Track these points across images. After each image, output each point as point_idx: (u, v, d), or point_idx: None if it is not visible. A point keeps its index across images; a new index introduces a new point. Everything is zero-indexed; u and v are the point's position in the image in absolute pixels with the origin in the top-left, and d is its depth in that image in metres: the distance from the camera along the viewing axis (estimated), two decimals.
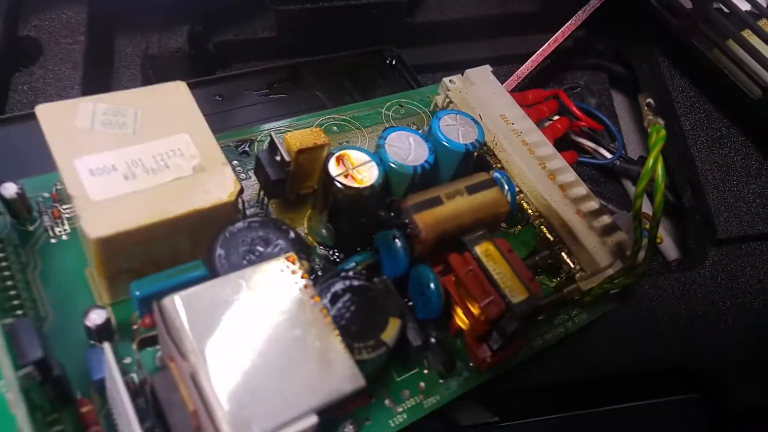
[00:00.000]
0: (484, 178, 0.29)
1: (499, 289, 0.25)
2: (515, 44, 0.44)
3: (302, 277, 0.23)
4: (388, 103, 0.37)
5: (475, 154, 0.31)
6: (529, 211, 0.33)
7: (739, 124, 0.36)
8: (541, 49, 0.39)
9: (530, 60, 0.39)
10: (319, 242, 0.30)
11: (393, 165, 0.29)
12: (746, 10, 0.31)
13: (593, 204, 0.33)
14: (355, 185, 0.27)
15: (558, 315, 0.31)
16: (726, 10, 0.31)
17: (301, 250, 0.25)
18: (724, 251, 0.33)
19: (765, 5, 0.34)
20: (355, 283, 0.24)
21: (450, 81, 0.38)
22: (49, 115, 0.26)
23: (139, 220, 0.24)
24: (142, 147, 0.26)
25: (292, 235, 0.25)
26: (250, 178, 0.32)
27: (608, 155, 0.39)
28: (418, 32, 0.43)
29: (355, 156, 0.28)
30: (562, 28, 0.39)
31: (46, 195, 0.29)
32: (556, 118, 0.38)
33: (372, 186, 0.27)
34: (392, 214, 0.28)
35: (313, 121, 0.35)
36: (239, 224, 0.25)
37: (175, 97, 0.28)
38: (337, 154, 0.28)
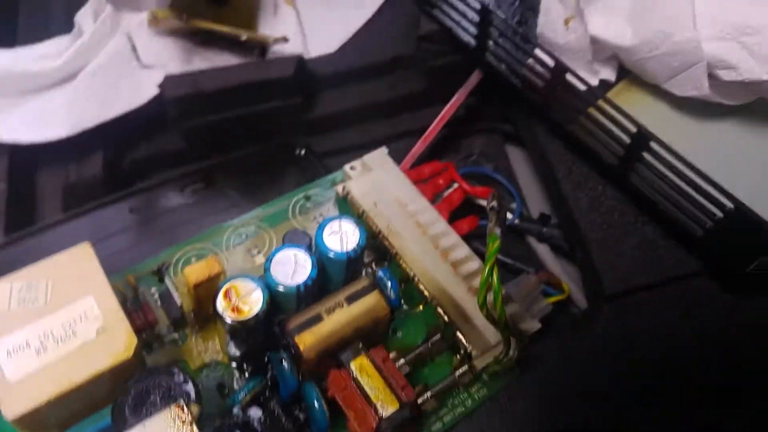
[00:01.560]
0: (363, 285, 0.34)
1: (372, 403, 0.30)
2: (410, 120, 0.49)
3: (189, 424, 0.28)
4: (295, 199, 0.42)
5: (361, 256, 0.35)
6: (425, 293, 0.37)
7: (611, 184, 0.39)
8: (431, 126, 0.44)
9: (423, 137, 0.44)
10: (230, 358, 0.35)
11: (279, 288, 0.33)
12: (586, 89, 0.34)
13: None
14: (240, 318, 0.32)
15: (458, 395, 0.35)
16: (574, 87, 0.35)
17: (194, 393, 0.30)
18: (613, 306, 0.37)
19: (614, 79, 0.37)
20: (242, 418, 0.29)
21: (351, 168, 0.42)
22: None
23: (50, 393, 0.29)
24: (52, 317, 0.31)
25: (184, 381, 0.30)
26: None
27: (509, 215, 0.43)
28: (319, 124, 0.48)
29: (242, 285, 0.33)
30: (446, 106, 0.44)
31: None
32: (453, 188, 0.42)
33: (256, 316, 0.32)
34: (280, 333, 0.32)
35: (224, 232, 0.40)
36: (139, 377, 0.30)
37: (81, 259, 0.33)
38: (224, 288, 0.33)
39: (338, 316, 0.33)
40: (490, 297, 0.30)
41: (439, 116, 0.44)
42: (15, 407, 0.29)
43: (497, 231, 0.30)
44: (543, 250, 0.45)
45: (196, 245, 0.39)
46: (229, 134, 0.46)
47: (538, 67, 0.37)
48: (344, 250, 0.35)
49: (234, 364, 0.35)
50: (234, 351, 0.35)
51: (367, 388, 0.31)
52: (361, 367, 0.31)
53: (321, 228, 0.36)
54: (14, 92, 0.43)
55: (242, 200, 0.44)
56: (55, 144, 0.42)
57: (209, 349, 0.36)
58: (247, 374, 0.35)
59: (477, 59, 0.43)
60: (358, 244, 0.35)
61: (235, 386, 0.35)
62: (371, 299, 0.34)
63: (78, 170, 0.44)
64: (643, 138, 0.32)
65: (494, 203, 0.31)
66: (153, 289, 0.38)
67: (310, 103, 0.47)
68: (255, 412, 0.32)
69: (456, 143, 0.49)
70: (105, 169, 0.44)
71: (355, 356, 0.32)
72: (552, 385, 0.37)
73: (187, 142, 0.46)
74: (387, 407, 0.30)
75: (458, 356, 0.36)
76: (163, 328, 0.36)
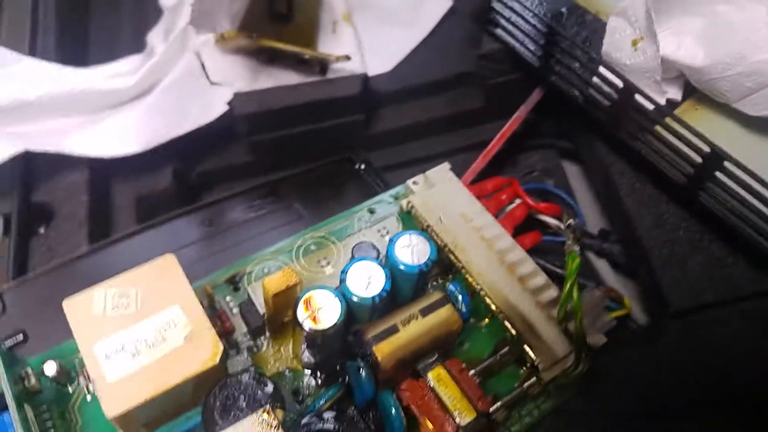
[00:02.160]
0: (437, 298, 0.35)
1: (450, 412, 0.31)
2: (470, 135, 0.51)
3: (277, 428, 0.29)
4: (359, 212, 0.43)
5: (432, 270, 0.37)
6: (492, 307, 0.39)
7: (677, 202, 0.40)
8: (492, 142, 0.45)
9: (484, 153, 0.45)
10: (304, 365, 0.37)
11: (354, 299, 0.35)
12: (654, 108, 0.36)
13: (552, 293, 0.39)
14: (320, 327, 0.33)
15: (525, 405, 0.36)
16: (642, 106, 0.36)
17: (277, 398, 0.31)
18: (679, 323, 0.38)
19: (680, 98, 0.38)
20: (322, 425, 0.31)
21: (413, 183, 0.44)
22: (72, 307, 0.33)
23: (146, 395, 0.31)
24: (144, 324, 0.33)
25: (266, 387, 0.32)
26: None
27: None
28: (379, 140, 0.49)
29: (320, 296, 0.35)
30: (507, 122, 0.45)
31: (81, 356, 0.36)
32: (516, 203, 0.43)
33: (335, 325, 0.34)
34: (358, 344, 0.34)
35: (295, 243, 0.41)
36: (226, 383, 0.32)
37: (166, 270, 0.35)
38: (303, 298, 0.35)
39: (413, 328, 0.34)
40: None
41: (500, 132, 0.46)
42: (115, 406, 0.31)
43: (576, 249, 0.31)
44: (602, 266, 0.46)
45: (268, 256, 0.41)
46: (294, 149, 0.48)
47: (605, 87, 0.38)
48: (416, 263, 0.37)
49: (308, 372, 0.37)
50: (309, 359, 0.36)
51: (444, 398, 0.32)
52: (438, 378, 0.33)
53: (393, 241, 0.37)
54: (92, 109, 0.46)
55: (307, 214, 0.46)
56: (129, 158, 0.45)
57: (283, 357, 0.38)
58: (320, 381, 0.36)
59: (539, 77, 0.44)
60: (429, 258, 0.37)
61: (305, 392, 0.36)
62: (445, 312, 0.35)
63: (149, 183, 0.47)
64: (717, 157, 0.33)
65: (571, 221, 0.32)
66: (228, 298, 0.39)
67: (371, 119, 0.49)
68: (332, 419, 0.33)
69: (514, 158, 0.50)
70: (174, 181, 0.47)
71: (433, 366, 0.33)
72: (616, 399, 0.38)
73: (253, 156, 0.48)
74: (465, 416, 0.31)
75: (525, 368, 0.38)
76: (239, 335, 0.38)
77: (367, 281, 0.36)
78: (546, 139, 0.51)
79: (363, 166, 0.49)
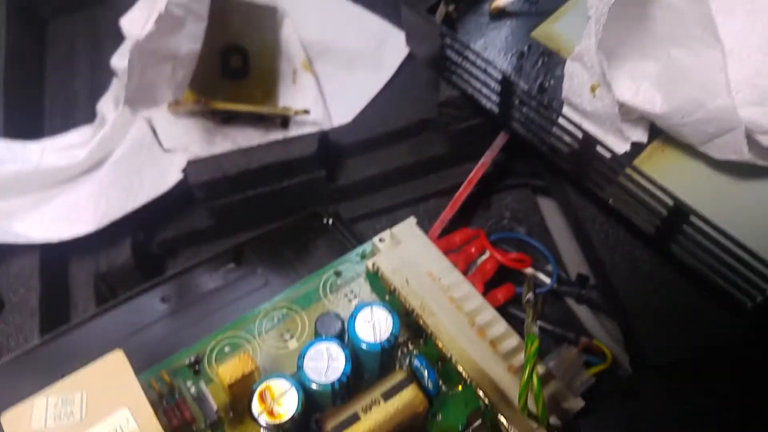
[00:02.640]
0: (399, 378, 0.33)
1: None
2: (437, 180, 0.49)
3: None
4: (326, 276, 0.41)
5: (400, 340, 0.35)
6: (464, 374, 0.36)
7: (651, 249, 0.38)
8: (459, 190, 0.43)
9: (451, 202, 0.43)
10: None
11: (313, 386, 0.33)
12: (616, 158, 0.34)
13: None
14: (276, 422, 0.31)
15: None
16: (604, 156, 0.34)
17: None
18: (659, 374, 0.36)
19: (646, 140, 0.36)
20: None
21: (379, 240, 0.41)
22: (11, 422, 0.31)
23: None
24: None
25: None
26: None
27: (546, 279, 0.42)
28: (346, 191, 0.48)
29: (276, 386, 0.33)
30: (474, 169, 0.43)
31: None
32: (485, 256, 0.41)
33: (292, 418, 0.31)
34: None
35: (257, 315, 0.39)
36: None
37: (114, 368, 0.33)
38: (259, 390, 0.33)
39: (376, 415, 0.32)
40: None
41: (467, 179, 0.44)
42: None
43: (535, 330, 0.29)
44: (583, 312, 0.43)
45: (228, 333, 0.39)
46: (256, 210, 0.46)
47: (565, 136, 0.36)
48: (378, 340, 0.34)
49: None
50: None
51: None
52: None
53: (353, 317, 0.35)
54: (42, 187, 0.44)
55: (273, 277, 0.44)
56: (84, 239, 0.43)
57: None
58: None
59: (501, 123, 0.42)
60: (391, 333, 0.35)
61: None
62: (408, 394, 0.33)
63: (108, 259, 0.45)
64: (681, 212, 0.31)
65: (530, 295, 0.30)
66: (189, 383, 0.37)
67: (334, 173, 0.47)
68: None
69: (487, 201, 0.48)
70: (134, 253, 0.45)
71: None
72: None
73: (214, 220, 0.46)
74: None
75: None
76: (200, 424, 0.36)
77: (326, 364, 0.34)
78: (519, 178, 0.48)
79: (331, 221, 0.47)
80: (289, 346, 0.39)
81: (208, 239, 0.48)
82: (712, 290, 0.35)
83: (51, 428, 0.31)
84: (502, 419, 0.35)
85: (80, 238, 0.43)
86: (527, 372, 0.28)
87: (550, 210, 0.48)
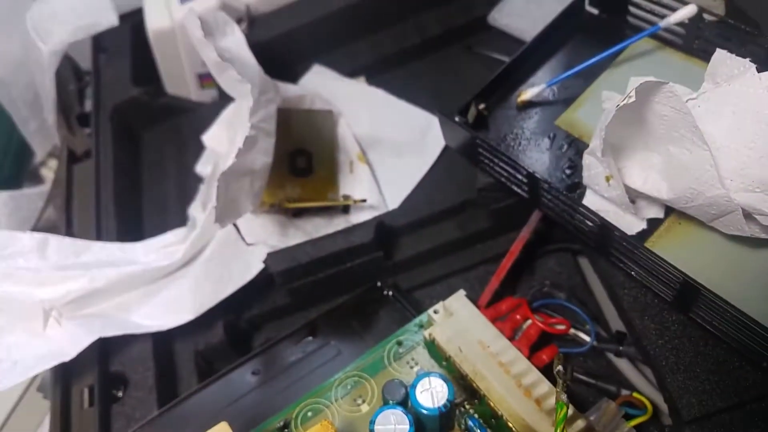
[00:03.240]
0: None
1: None
2: (483, 250, 0.55)
3: None
4: (389, 346, 0.47)
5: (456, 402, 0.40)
6: (514, 430, 0.41)
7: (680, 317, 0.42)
8: (502, 263, 0.49)
9: (496, 273, 0.49)
10: None
11: None
12: (631, 238, 0.38)
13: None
14: None
15: None
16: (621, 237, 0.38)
17: None
18: (695, 429, 0.39)
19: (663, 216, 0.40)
20: None
21: (434, 312, 0.47)
22: None
23: None
24: None
25: None
26: None
27: (587, 338, 0.46)
28: (401, 266, 0.54)
29: None
30: (513, 244, 0.48)
31: None
32: (529, 323, 0.46)
33: None
34: None
35: (333, 384, 0.45)
36: None
37: None
38: None
39: None
40: None
41: (508, 252, 0.49)
42: None
43: (564, 398, 0.33)
44: (623, 365, 0.47)
45: (310, 400, 0.45)
46: (326, 289, 0.53)
47: (586, 221, 0.40)
48: (436, 405, 0.40)
49: None
50: None
51: None
52: None
53: (413, 387, 0.41)
54: (149, 282, 0.52)
55: (344, 348, 0.50)
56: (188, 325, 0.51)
57: None
58: None
59: (533, 206, 0.47)
60: (447, 399, 0.40)
61: None
62: None
63: (205, 338, 0.52)
64: (691, 286, 0.35)
65: (560, 367, 0.34)
66: None
67: (390, 252, 0.53)
68: None
69: (530, 266, 0.53)
70: (226, 332, 0.52)
71: None
72: None
73: (290, 299, 0.54)
74: None
75: None
76: None
77: (393, 428, 0.40)
78: (559, 243, 0.53)
79: (391, 292, 0.53)
80: (361, 409, 0.45)
81: (286, 315, 0.55)
82: (734, 348, 0.38)
83: None
84: None
85: (186, 329, 0.51)
86: None
87: (590, 270, 0.52)
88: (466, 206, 0.53)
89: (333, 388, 0.46)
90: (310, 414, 0.45)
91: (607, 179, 0.40)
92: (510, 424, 0.42)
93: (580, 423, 0.41)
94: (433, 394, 0.41)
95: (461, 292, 0.48)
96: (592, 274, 0.53)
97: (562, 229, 0.52)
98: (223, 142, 0.58)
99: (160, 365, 0.50)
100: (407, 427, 0.39)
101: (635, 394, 0.45)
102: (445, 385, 0.41)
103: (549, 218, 0.49)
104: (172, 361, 0.52)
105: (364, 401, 0.46)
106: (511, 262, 0.49)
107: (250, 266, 0.51)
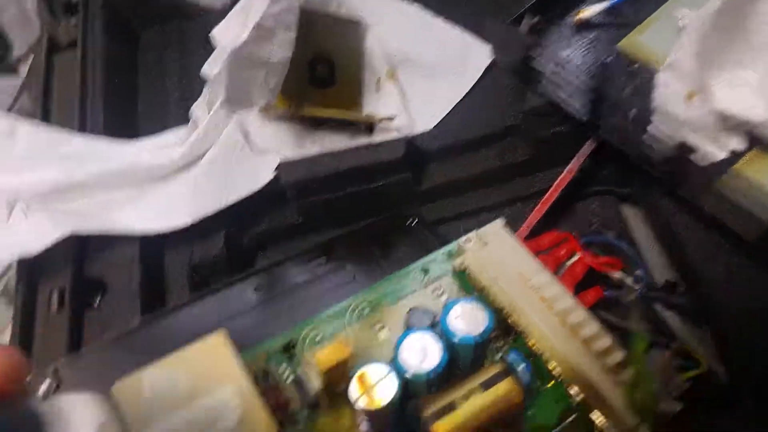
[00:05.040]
0: (496, 371, 0.33)
1: None
2: (522, 185, 0.49)
3: None
4: (413, 272, 0.41)
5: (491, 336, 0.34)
6: (556, 372, 0.36)
7: (747, 256, 0.37)
8: (545, 196, 0.43)
9: (537, 207, 0.43)
10: None
11: (409, 375, 0.33)
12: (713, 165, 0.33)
13: (618, 355, 0.35)
14: (374, 406, 0.31)
15: None
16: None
17: None
18: (760, 387, 0.34)
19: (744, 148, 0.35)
20: None
21: (465, 241, 0.41)
22: (122, 392, 0.32)
23: None
24: (192, 408, 0.32)
25: None
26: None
27: (633, 284, 0.41)
28: (430, 194, 0.48)
29: (374, 372, 0.33)
30: (560, 176, 0.43)
31: None
32: (575, 258, 0.40)
33: (390, 403, 0.31)
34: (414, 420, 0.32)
35: (348, 306, 0.40)
36: None
37: (217, 348, 0.34)
38: (357, 375, 0.33)
39: (473, 403, 0.32)
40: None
41: (554, 185, 0.44)
42: None
43: (642, 329, 0.28)
44: (672, 319, 0.42)
45: (320, 323, 0.40)
46: (343, 210, 0.47)
47: (658, 144, 0.35)
48: (471, 334, 0.34)
49: None
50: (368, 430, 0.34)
51: None
52: None
53: (446, 311, 0.35)
54: (139, 183, 0.46)
55: (361, 273, 0.44)
56: (180, 232, 0.44)
57: (340, 428, 0.36)
58: None
59: (590, 132, 0.42)
60: (486, 328, 0.35)
61: None
62: (506, 386, 0.33)
63: (202, 250, 0.46)
64: None
65: (634, 296, 0.30)
66: (283, 367, 0.38)
67: (419, 176, 0.47)
68: None
69: (572, 207, 0.48)
70: (226, 247, 0.46)
71: None
72: None
73: (303, 217, 0.47)
74: None
75: None
76: (295, 407, 0.36)
77: (422, 355, 0.34)
78: (604, 185, 0.48)
79: (415, 221, 0.47)
80: (379, 336, 0.39)
81: (296, 236, 0.48)
82: None
83: (154, 401, 0.32)
84: (596, 417, 0.35)
85: (175, 231, 0.45)
86: (637, 372, 0.27)
87: (634, 218, 0.47)
88: (508, 133, 0.47)
89: (347, 313, 0.40)
90: (319, 338, 0.39)
91: (690, 96, 0.35)
92: (551, 365, 0.37)
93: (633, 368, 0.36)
94: (469, 321, 0.35)
95: (499, 221, 0.43)
96: (636, 222, 0.47)
97: (609, 168, 0.48)
98: (239, 35, 0.51)
99: (147, 275, 0.44)
100: (439, 354, 0.34)
101: (687, 347, 0.40)
102: (483, 312, 0.36)
103: (599, 152, 0.45)
104: (161, 272, 0.46)
105: (383, 327, 0.40)
106: (556, 195, 0.44)
107: (259, 175, 0.45)
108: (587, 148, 0.44)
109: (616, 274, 0.42)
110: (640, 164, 0.39)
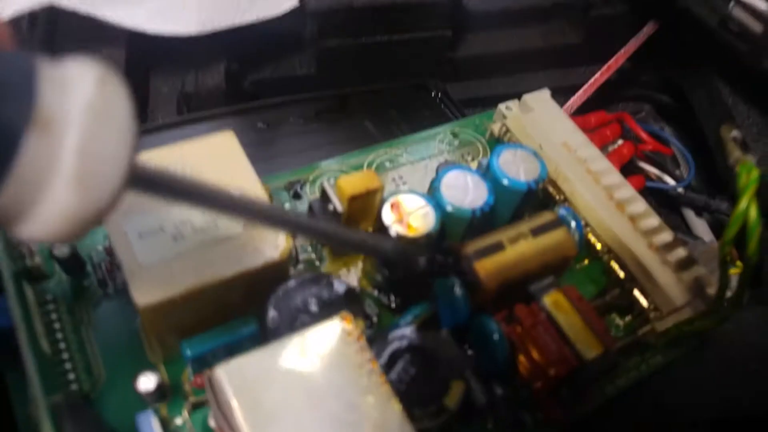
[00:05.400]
0: (549, 219, 0.29)
1: (572, 343, 0.24)
2: (559, 77, 0.45)
3: (358, 339, 0.22)
4: (441, 134, 0.37)
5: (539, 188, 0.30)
6: (597, 246, 0.32)
7: None
8: (593, 78, 0.39)
9: (582, 90, 0.39)
10: (375, 287, 0.30)
11: (450, 209, 0.28)
12: None
13: (667, 236, 0.32)
14: (411, 234, 0.26)
15: (631, 358, 0.30)
16: None
17: (356, 306, 0.24)
18: None
19: None
20: (415, 341, 0.24)
21: (506, 107, 0.37)
22: None
23: (187, 285, 0.24)
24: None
25: (343, 289, 0.25)
26: None
27: (672, 182, 0.37)
28: (460, 66, 0.44)
29: (409, 201, 0.28)
30: (614, 57, 0.39)
31: (100, 248, 0.29)
32: (620, 142, 0.36)
33: (428, 234, 0.27)
34: (450, 261, 0.27)
35: (365, 158, 0.35)
36: (292, 283, 0.25)
37: (224, 148, 0.28)
38: (391, 201, 0.28)
39: (522, 248, 0.27)
40: None
41: (606, 65, 0.39)
42: (147, 295, 0.24)
43: (751, 158, 0.24)
44: (701, 226, 0.39)
45: (335, 167, 0.34)
46: (365, 64, 0.41)
47: (747, 13, 0.32)
48: (524, 179, 0.30)
49: (377, 293, 0.30)
50: (386, 276, 0.29)
51: (565, 326, 0.25)
52: (557, 303, 0.26)
53: (496, 154, 0.31)
54: None
55: (378, 133, 0.39)
56: (174, 49, 0.38)
57: (351, 274, 0.31)
58: (394, 305, 0.29)
59: (651, 10, 0.38)
60: (540, 175, 0.30)
61: (374, 318, 0.29)
62: (559, 235, 0.28)
63: (197, 81, 0.39)
64: None
65: (735, 133, 0.26)
66: (287, 206, 0.33)
67: (456, 40, 0.42)
68: (422, 338, 0.26)
69: (605, 109, 0.44)
70: (227, 82, 0.40)
71: (550, 290, 0.26)
72: (735, 364, 0.31)
73: (317, 67, 0.41)
74: (590, 350, 0.24)
75: (632, 316, 0.31)
76: (296, 246, 0.31)
77: (465, 193, 0.30)
78: (642, 90, 0.44)
79: (440, 95, 0.42)
80: (401, 189, 0.34)
81: (305, 90, 0.42)
82: None
83: None
84: (641, 294, 0.31)
85: (169, 52, 0.38)
86: (745, 202, 0.23)
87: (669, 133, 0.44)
88: (561, 10, 0.42)
89: (365, 162, 0.35)
90: (332, 182, 0.34)
91: None
92: (594, 238, 0.33)
93: (682, 251, 0.32)
94: (520, 167, 0.31)
95: (546, 90, 0.38)
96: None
97: (651, 73, 0.44)
98: None
99: (131, 83, 0.37)
100: (485, 193, 0.29)
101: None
102: (536, 161, 0.31)
103: (647, 51, 0.40)
104: (146, 92, 0.39)
105: (405, 183, 0.35)
106: (603, 80, 0.40)
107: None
108: (648, 29, 0.39)
109: (654, 170, 0.38)
110: (721, 38, 0.34)
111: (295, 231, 0.22)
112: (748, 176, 0.23)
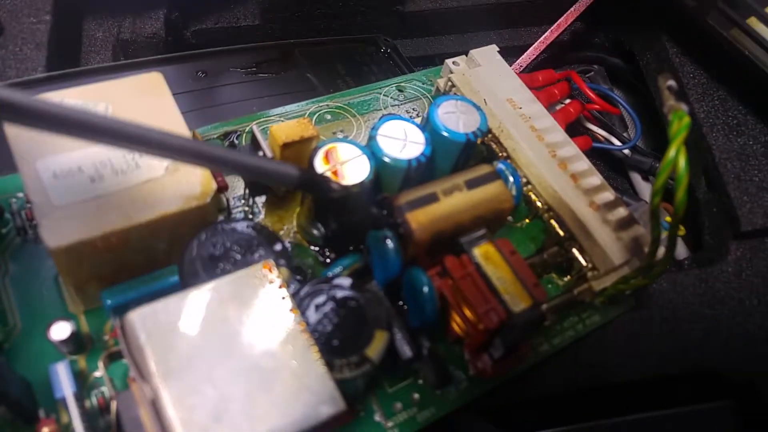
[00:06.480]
0: (485, 171, 0.28)
1: (500, 295, 0.24)
2: (510, 36, 0.44)
3: (279, 287, 0.22)
4: (387, 88, 0.36)
5: (478, 143, 0.29)
6: (538, 204, 0.32)
7: (757, 110, 0.33)
8: (543, 37, 0.38)
9: (532, 48, 0.38)
10: (309, 241, 0.29)
11: (386, 159, 0.27)
12: None
13: (608, 195, 0.31)
14: (343, 183, 0.25)
15: (567, 317, 0.29)
16: None
17: (283, 258, 0.23)
18: (747, 245, 0.32)
19: None
20: (339, 293, 0.23)
21: (453, 62, 0.36)
22: None
23: (103, 228, 0.23)
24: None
25: (276, 244, 0.24)
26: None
27: (619, 143, 0.37)
28: (409, 22, 0.42)
29: (344, 150, 0.27)
30: (564, 15, 0.38)
31: (20, 195, 0.27)
32: (568, 101, 0.36)
33: (361, 183, 0.26)
34: (384, 212, 0.26)
35: (306, 109, 0.34)
36: (211, 229, 0.23)
37: (150, 89, 0.27)
38: (324, 149, 0.27)
39: (456, 200, 0.27)
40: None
41: (564, 17, 0.38)
42: (60, 236, 0.22)
43: (684, 107, 0.24)
44: (648, 190, 0.39)
45: (272, 117, 0.33)
46: (308, 18, 0.40)
47: None
48: (463, 131, 0.29)
49: (313, 247, 0.29)
50: (319, 231, 0.28)
51: (494, 279, 0.24)
52: (487, 255, 0.25)
53: (436, 104, 0.30)
54: None
55: (322, 86, 0.38)
56: None
57: (285, 230, 0.30)
58: (329, 260, 0.28)
59: None
60: (479, 128, 0.29)
61: (308, 272, 0.28)
62: (495, 188, 0.27)
63: (134, 27, 0.38)
64: None
65: (671, 82, 0.25)
66: None
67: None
68: (350, 287, 0.25)
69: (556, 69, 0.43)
70: (166, 29, 0.38)
71: (480, 242, 0.25)
72: (670, 324, 0.31)
73: (262, 18, 0.40)
74: (518, 302, 0.24)
75: (571, 276, 0.30)
76: (231, 197, 0.30)
77: (403, 143, 0.29)
78: (594, 52, 0.43)
79: (389, 51, 0.41)
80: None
81: (247, 41, 0.41)
82: None
83: None
84: (579, 252, 0.30)
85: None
86: (674, 149, 0.23)
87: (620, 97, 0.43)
88: None
89: (306, 113, 0.34)
90: (265, 128, 0.32)
91: None
92: (535, 195, 0.32)
93: (623, 211, 0.31)
94: (460, 119, 0.30)
95: (493, 46, 0.37)
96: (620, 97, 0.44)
97: (603, 34, 0.43)
98: None
99: (61, 26, 0.35)
100: (423, 144, 0.28)
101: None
102: (476, 113, 0.30)
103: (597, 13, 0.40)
104: (78, 40, 0.37)
105: (346, 136, 0.34)
106: (552, 38, 0.39)
107: None
108: None
109: (602, 132, 0.38)
110: None
111: (194, 158, 0.20)
112: (680, 123, 0.23)
